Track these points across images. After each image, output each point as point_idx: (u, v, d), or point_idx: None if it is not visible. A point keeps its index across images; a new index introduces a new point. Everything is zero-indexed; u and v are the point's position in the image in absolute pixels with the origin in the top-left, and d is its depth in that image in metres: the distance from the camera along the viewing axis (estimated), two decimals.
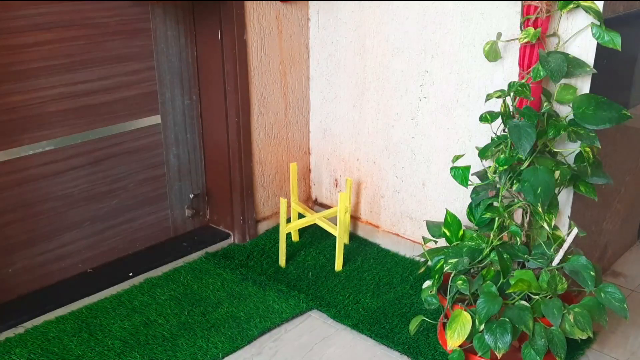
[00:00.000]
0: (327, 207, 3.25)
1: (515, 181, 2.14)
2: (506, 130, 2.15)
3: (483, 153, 2.22)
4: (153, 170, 2.87)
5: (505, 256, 2.08)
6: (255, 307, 2.52)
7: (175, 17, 2.75)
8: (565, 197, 2.32)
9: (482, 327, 2.02)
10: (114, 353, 2.26)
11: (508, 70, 2.38)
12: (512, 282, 2.03)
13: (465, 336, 2.06)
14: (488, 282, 2.09)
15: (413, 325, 2.28)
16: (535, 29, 2.11)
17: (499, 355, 2.01)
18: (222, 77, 2.81)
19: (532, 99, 2.15)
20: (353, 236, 3.11)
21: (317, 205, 3.33)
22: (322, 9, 2.97)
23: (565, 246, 2.08)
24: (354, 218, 3.14)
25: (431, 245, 2.38)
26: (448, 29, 2.53)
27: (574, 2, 2.07)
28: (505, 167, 2.12)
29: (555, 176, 2.06)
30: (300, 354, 2.31)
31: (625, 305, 1.98)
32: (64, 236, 2.63)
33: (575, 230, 2.09)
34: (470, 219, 2.29)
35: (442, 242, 2.35)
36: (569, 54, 2.13)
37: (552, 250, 2.12)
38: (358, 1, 2.80)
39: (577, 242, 2.18)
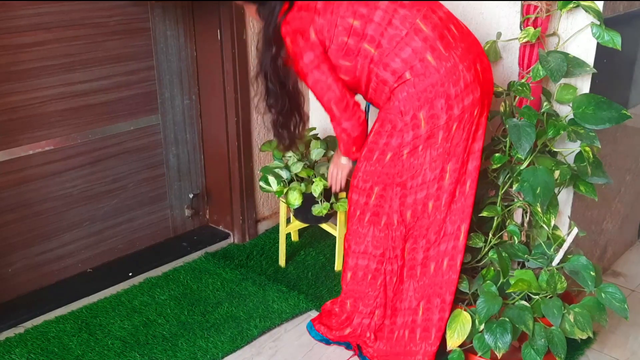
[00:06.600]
0: None
1: (514, 181, 2.14)
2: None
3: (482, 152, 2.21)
4: (152, 170, 2.87)
5: (504, 255, 2.08)
6: (255, 307, 2.52)
7: (175, 16, 2.75)
8: (565, 197, 2.31)
9: (482, 327, 2.02)
10: (114, 353, 2.26)
11: (508, 70, 2.37)
12: (512, 281, 2.03)
13: (465, 336, 2.06)
14: (488, 281, 2.09)
15: None
16: (535, 28, 2.11)
17: (499, 355, 2.01)
18: (222, 76, 2.81)
19: (532, 98, 2.15)
20: None
21: None
22: None
23: (565, 246, 2.08)
24: None
25: None
26: None
27: (574, 1, 2.07)
28: (498, 164, 2.12)
29: (555, 176, 2.05)
30: (300, 354, 2.31)
31: (625, 306, 1.98)
32: (64, 236, 2.63)
33: (575, 230, 2.08)
34: None
35: None
36: (568, 54, 2.12)
37: (552, 250, 2.12)
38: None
39: (577, 242, 2.18)
